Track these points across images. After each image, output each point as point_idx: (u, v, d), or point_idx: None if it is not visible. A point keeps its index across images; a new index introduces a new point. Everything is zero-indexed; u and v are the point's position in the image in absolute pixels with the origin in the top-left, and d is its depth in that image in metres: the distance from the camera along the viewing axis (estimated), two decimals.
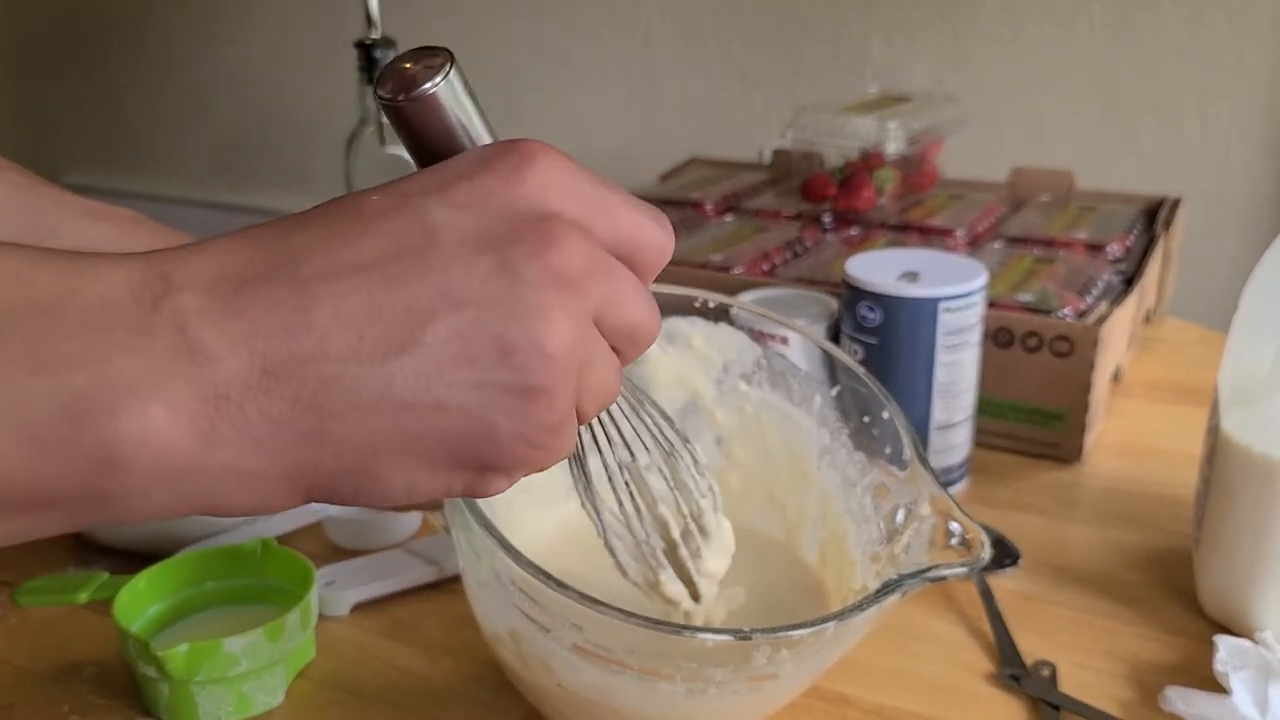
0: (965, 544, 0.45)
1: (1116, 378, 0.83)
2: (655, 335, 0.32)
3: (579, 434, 0.38)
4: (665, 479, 0.45)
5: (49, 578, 0.58)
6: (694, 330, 0.56)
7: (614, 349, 0.31)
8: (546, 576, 0.39)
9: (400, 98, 0.31)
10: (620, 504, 0.44)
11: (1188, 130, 1.33)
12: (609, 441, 0.42)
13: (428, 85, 0.30)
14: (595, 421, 0.42)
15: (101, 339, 0.25)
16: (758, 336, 0.56)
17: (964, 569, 0.44)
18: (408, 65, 0.31)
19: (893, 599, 0.42)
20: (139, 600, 0.54)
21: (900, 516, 0.48)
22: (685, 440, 0.45)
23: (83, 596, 0.55)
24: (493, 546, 0.40)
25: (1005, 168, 1.06)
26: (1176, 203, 1.00)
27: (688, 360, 0.57)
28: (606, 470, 0.42)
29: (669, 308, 0.55)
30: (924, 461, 0.48)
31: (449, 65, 0.31)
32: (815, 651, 0.43)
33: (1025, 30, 1.38)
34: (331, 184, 0.94)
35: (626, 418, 0.43)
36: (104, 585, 0.56)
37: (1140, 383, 0.88)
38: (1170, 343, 0.95)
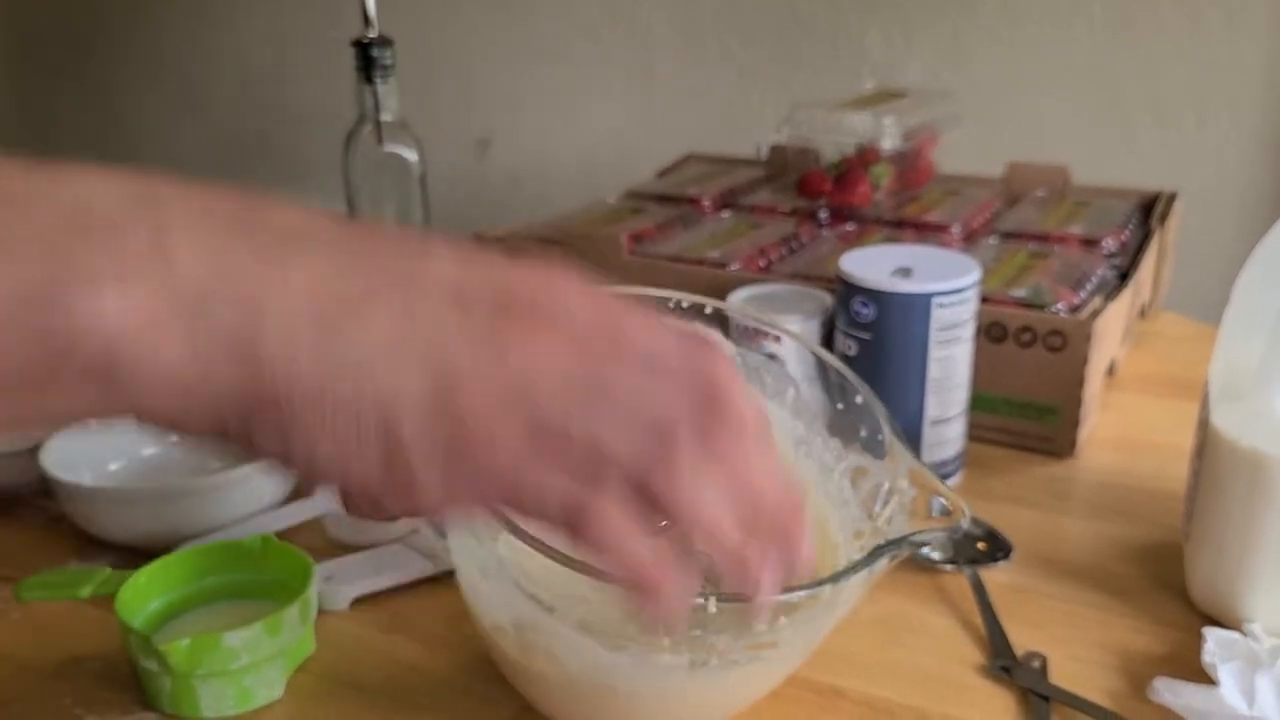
0: (946, 513, 0.46)
1: (1111, 372, 0.84)
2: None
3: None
4: None
5: (51, 573, 0.58)
6: None
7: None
8: (552, 550, 0.39)
9: None
10: None
11: (1185, 128, 1.34)
12: None
13: None
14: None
15: (73, 231, 0.26)
16: (747, 334, 0.57)
17: (947, 534, 0.45)
18: None
19: (882, 563, 0.43)
20: (140, 595, 0.55)
21: (882, 491, 0.49)
22: None
23: (85, 592, 0.56)
24: (496, 527, 0.41)
25: (1003, 164, 1.06)
26: (1172, 197, 1.00)
27: None
28: None
29: None
30: (900, 437, 0.49)
31: None
32: (811, 618, 0.44)
33: (1025, 28, 1.38)
34: (330, 182, 0.95)
35: None
36: (106, 580, 0.56)
37: (1134, 377, 0.88)
38: (1165, 337, 0.96)
